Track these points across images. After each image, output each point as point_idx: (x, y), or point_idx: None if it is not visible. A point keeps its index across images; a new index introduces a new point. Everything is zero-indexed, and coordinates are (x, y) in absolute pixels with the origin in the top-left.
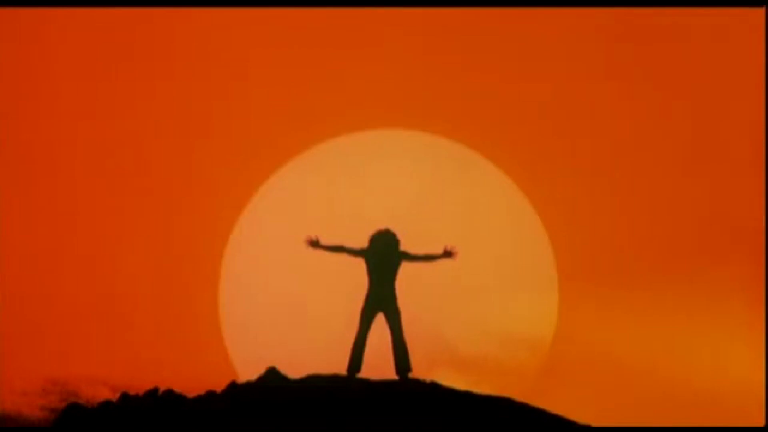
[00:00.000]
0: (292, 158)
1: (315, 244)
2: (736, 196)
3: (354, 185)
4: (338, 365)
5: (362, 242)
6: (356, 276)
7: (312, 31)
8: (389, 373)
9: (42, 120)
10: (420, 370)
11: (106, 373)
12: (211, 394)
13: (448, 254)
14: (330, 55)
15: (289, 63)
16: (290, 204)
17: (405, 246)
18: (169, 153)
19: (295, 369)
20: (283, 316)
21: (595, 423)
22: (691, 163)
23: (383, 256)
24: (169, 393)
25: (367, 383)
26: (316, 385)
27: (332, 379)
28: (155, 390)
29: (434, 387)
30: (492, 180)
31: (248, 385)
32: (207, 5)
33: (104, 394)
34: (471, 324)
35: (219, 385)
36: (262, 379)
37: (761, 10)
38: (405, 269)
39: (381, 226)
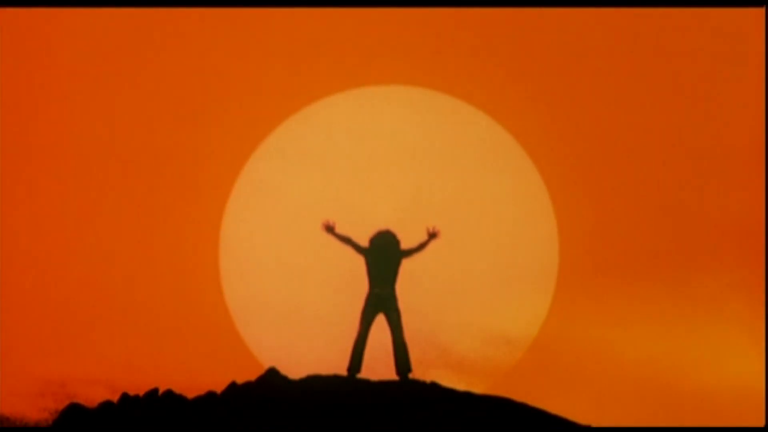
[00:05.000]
0: (269, 133)
1: (330, 229)
2: (735, 197)
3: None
4: (338, 365)
5: (353, 226)
6: (356, 276)
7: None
8: (390, 373)
9: (24, 120)
10: (420, 371)
11: (106, 373)
12: (211, 395)
13: (433, 236)
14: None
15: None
16: (277, 193)
17: (405, 234)
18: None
19: (295, 369)
20: (283, 316)
21: (595, 423)
22: (690, 163)
23: (383, 256)
24: (169, 393)
25: (367, 384)
26: (317, 385)
27: (332, 380)
28: (155, 390)
29: (434, 387)
30: (514, 161)
31: (248, 386)
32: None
33: (104, 394)
34: (468, 324)
35: (219, 385)
36: (262, 380)
37: (761, 10)
38: (404, 270)
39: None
